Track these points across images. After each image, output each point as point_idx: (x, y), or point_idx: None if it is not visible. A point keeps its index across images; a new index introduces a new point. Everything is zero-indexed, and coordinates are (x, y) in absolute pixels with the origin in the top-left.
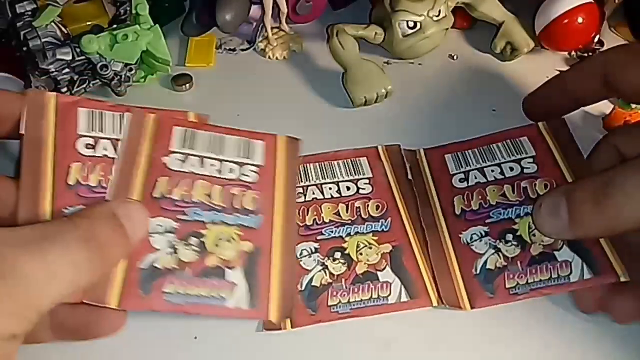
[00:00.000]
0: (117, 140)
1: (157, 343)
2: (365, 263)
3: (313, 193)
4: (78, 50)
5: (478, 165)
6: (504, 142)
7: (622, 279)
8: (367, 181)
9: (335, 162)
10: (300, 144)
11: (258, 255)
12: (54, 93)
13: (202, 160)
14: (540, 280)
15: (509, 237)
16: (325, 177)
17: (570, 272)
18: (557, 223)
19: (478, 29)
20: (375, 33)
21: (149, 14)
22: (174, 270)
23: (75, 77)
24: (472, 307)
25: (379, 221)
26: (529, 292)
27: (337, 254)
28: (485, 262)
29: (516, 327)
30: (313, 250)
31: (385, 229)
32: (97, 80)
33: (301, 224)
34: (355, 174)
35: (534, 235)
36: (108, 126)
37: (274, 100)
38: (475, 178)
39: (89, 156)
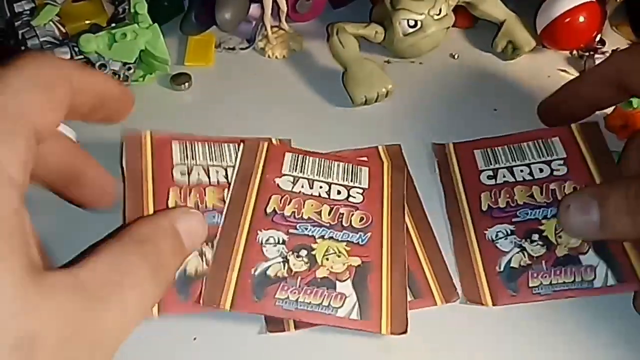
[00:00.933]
0: (209, 166)
1: (157, 343)
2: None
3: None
4: (76, 49)
5: (507, 164)
6: (535, 141)
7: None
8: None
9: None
10: (405, 170)
11: (367, 270)
12: (149, 131)
13: (312, 182)
14: (564, 282)
15: (535, 237)
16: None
17: (594, 278)
18: (587, 225)
19: (479, 28)
20: (376, 32)
21: (148, 13)
22: (285, 279)
23: None
24: (494, 304)
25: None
26: (551, 294)
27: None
28: (510, 260)
29: (521, 329)
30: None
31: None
32: None
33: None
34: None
35: (560, 237)
36: (199, 155)
37: (273, 100)
38: (504, 177)
39: (184, 182)
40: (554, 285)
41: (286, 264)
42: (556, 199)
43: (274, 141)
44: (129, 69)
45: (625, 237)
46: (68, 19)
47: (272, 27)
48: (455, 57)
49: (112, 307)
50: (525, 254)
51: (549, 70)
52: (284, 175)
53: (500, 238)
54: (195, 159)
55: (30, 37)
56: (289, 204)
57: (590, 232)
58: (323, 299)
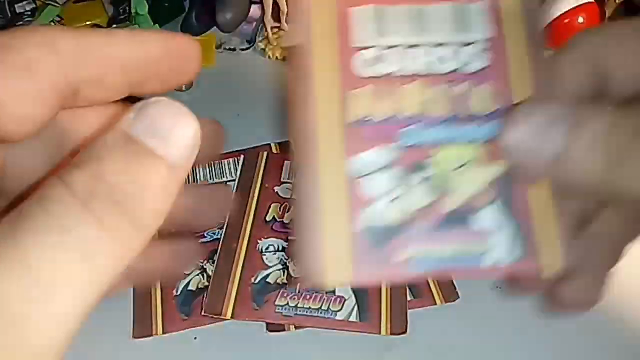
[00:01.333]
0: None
1: (157, 342)
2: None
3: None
4: None
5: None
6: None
7: (548, 271)
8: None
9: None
10: None
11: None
12: None
13: None
14: (445, 253)
15: (422, 175)
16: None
17: (487, 249)
18: (540, 151)
19: None
20: None
21: (149, 14)
22: (285, 285)
23: None
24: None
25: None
26: (430, 271)
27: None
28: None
29: (521, 328)
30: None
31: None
32: None
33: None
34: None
35: (457, 177)
36: (199, 177)
37: (274, 100)
38: None
39: None
40: (431, 256)
41: (286, 271)
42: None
43: (273, 147)
44: None
45: (583, 184)
46: (69, 20)
47: (272, 27)
48: None
49: (9, 269)
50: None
51: None
52: (283, 183)
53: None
54: (196, 180)
55: None
56: (288, 212)
57: (539, 162)
58: (322, 303)
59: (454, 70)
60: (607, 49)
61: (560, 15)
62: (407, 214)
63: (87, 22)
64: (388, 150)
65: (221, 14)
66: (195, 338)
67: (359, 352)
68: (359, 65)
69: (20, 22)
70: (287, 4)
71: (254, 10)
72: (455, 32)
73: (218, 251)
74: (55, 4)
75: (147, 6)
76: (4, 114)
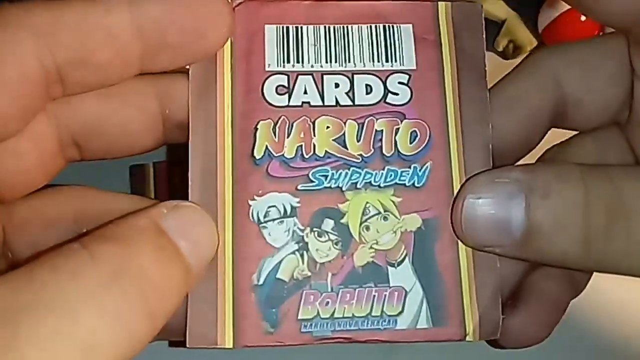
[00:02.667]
0: None
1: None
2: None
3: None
4: None
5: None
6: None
7: (469, 339)
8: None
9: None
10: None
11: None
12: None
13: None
14: (352, 316)
15: (328, 224)
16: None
17: (402, 311)
18: (500, 233)
19: None
20: None
21: None
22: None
23: None
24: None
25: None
26: (333, 334)
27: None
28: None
29: None
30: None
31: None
32: None
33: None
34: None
35: (366, 229)
36: None
37: None
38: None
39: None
40: (335, 320)
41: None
42: (380, 152)
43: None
44: None
45: (557, 260)
46: None
47: None
48: None
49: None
50: (306, 257)
51: None
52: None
53: (274, 220)
54: None
55: None
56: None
57: (504, 245)
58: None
59: (375, 104)
60: (569, 72)
61: (563, 13)
62: (309, 268)
63: None
64: (293, 194)
65: None
66: None
67: (359, 355)
68: (269, 92)
69: None
70: None
71: None
72: (378, 58)
73: None
74: None
75: None
76: None
